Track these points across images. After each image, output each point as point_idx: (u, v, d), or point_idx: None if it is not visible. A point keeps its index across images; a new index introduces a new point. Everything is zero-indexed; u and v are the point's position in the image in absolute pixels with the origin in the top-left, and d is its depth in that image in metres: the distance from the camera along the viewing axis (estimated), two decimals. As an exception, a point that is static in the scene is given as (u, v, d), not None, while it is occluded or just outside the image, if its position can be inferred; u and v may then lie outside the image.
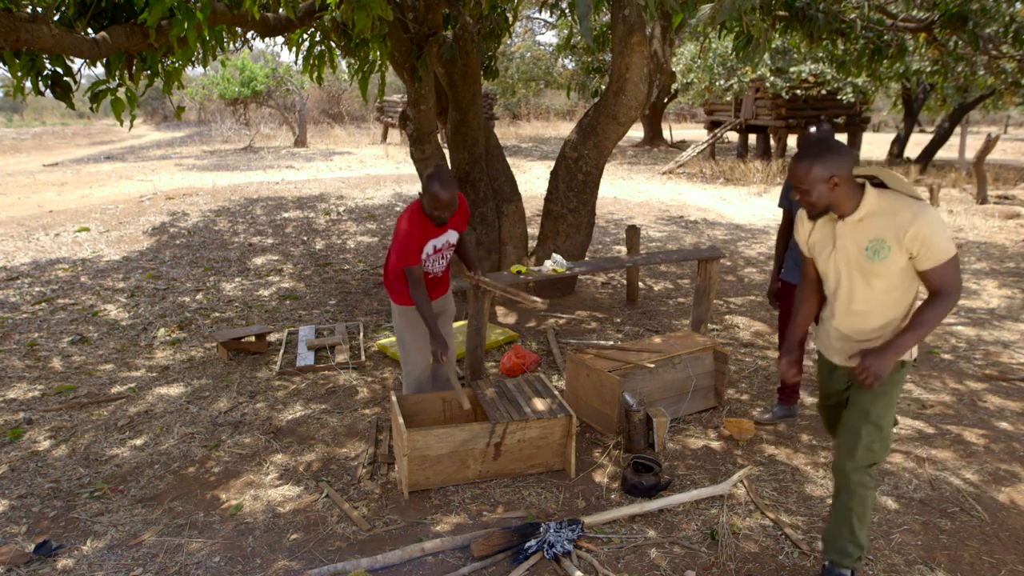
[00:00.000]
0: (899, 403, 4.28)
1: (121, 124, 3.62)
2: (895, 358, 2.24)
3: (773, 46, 14.72)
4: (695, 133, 29.03)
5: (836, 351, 2.55)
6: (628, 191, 13.69)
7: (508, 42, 21.57)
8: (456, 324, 5.17)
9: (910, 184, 2.29)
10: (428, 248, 3.45)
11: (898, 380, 2.41)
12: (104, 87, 3.54)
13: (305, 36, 4.78)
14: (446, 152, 6.10)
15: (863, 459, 2.43)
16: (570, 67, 23.79)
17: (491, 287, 3.86)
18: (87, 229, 9.47)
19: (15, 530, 3.09)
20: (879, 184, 2.34)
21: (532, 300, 3.60)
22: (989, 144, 11.86)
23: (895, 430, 3.93)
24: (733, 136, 22.21)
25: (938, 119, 17.65)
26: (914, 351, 2.42)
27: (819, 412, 2.86)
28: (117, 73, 3.62)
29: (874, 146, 22.04)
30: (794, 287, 3.82)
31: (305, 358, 4.97)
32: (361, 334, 5.47)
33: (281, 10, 4.37)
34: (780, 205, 3.97)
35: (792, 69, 15.59)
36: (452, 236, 3.58)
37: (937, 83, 9.67)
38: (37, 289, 6.86)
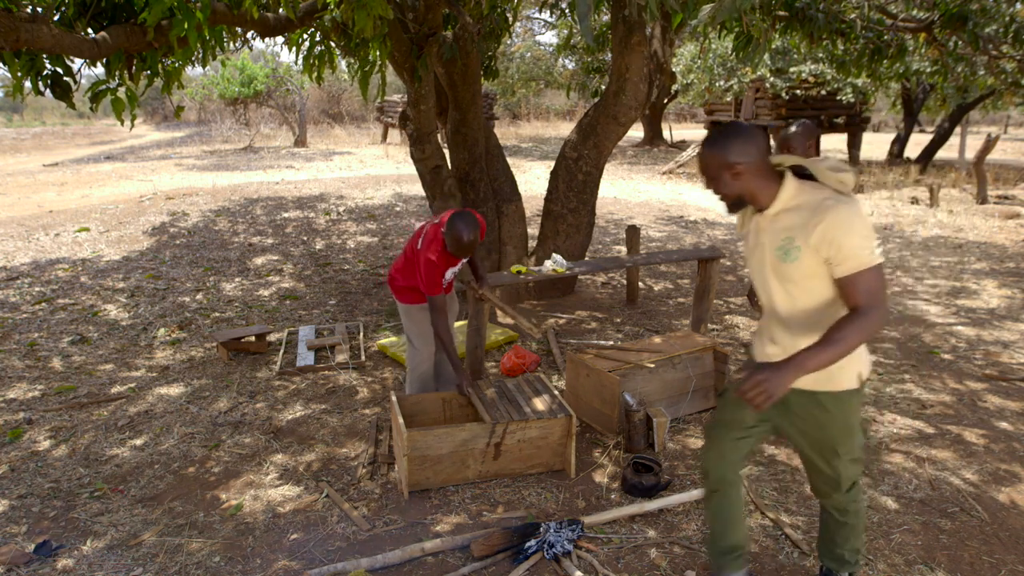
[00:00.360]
0: (899, 403, 4.28)
1: (122, 124, 3.62)
2: (794, 377, 1.87)
3: (773, 46, 14.72)
4: (695, 133, 29.01)
5: (767, 358, 2.22)
6: (628, 191, 13.69)
7: (508, 42, 21.56)
8: (456, 324, 5.17)
9: (846, 178, 1.97)
10: (448, 274, 3.59)
11: (855, 410, 2.17)
12: (104, 87, 3.54)
13: (305, 36, 4.78)
14: (446, 152, 6.09)
15: (847, 487, 2.30)
16: (570, 67, 23.77)
17: (494, 303, 3.91)
18: (87, 229, 9.47)
19: (15, 530, 3.09)
20: (807, 176, 2.05)
21: (529, 327, 3.69)
22: (989, 144, 11.86)
23: (893, 431, 3.93)
24: (733, 136, 22.16)
25: (938, 119, 17.65)
26: (864, 371, 2.13)
27: (712, 425, 2.41)
28: (117, 73, 3.62)
29: (874, 146, 22.04)
30: None
31: (305, 358, 4.97)
32: (361, 334, 5.47)
33: (281, 10, 4.37)
34: None
35: (792, 69, 15.59)
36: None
37: (937, 83, 9.67)
38: (37, 289, 6.86)
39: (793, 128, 3.46)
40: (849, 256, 1.90)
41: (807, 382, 2.09)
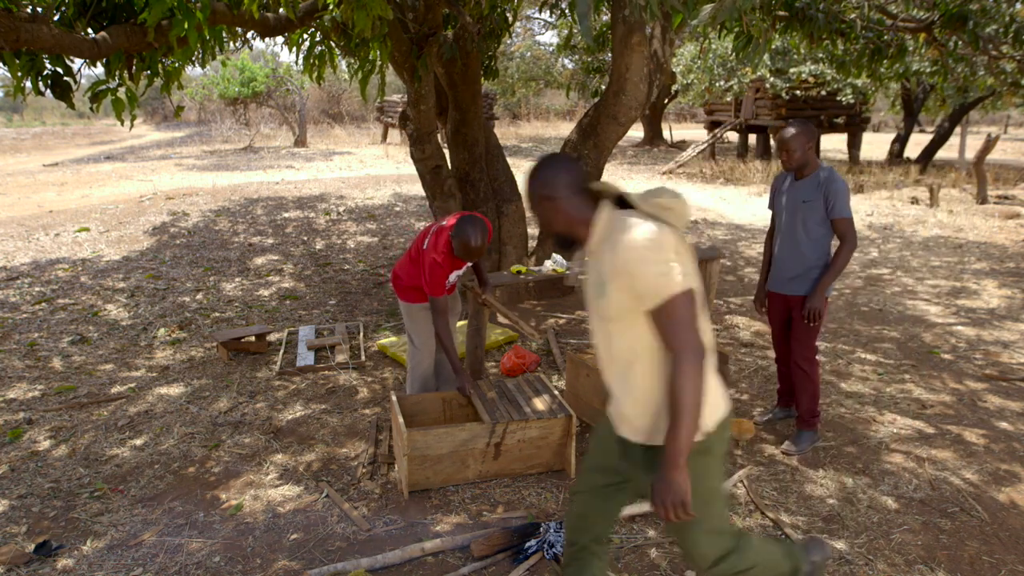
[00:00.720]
0: (899, 403, 4.28)
1: (122, 124, 3.62)
2: (678, 469, 1.70)
3: (773, 46, 14.71)
4: (695, 133, 29.03)
5: (619, 419, 1.96)
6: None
7: (508, 42, 21.56)
8: (457, 324, 5.18)
9: (668, 203, 1.79)
10: (452, 277, 3.59)
11: (710, 471, 1.87)
12: (104, 87, 3.54)
13: (305, 36, 4.78)
14: (446, 152, 6.09)
15: (709, 566, 1.95)
16: (570, 67, 23.78)
17: (496, 308, 3.92)
18: (87, 229, 9.47)
19: (15, 530, 3.09)
20: (626, 205, 1.86)
21: (531, 331, 3.69)
22: (989, 144, 11.86)
23: (893, 431, 3.93)
24: (733, 136, 22.21)
25: (938, 119, 17.65)
26: (705, 423, 1.81)
27: (572, 498, 2.13)
28: (117, 73, 3.62)
29: (874, 146, 22.04)
30: (778, 296, 3.67)
31: (305, 358, 4.97)
32: (361, 334, 5.47)
33: (281, 10, 4.37)
34: (769, 207, 3.78)
35: (792, 70, 15.59)
36: None
37: (937, 83, 9.67)
38: (37, 289, 6.86)
39: (791, 130, 3.42)
40: (649, 286, 1.70)
41: (637, 435, 1.89)
